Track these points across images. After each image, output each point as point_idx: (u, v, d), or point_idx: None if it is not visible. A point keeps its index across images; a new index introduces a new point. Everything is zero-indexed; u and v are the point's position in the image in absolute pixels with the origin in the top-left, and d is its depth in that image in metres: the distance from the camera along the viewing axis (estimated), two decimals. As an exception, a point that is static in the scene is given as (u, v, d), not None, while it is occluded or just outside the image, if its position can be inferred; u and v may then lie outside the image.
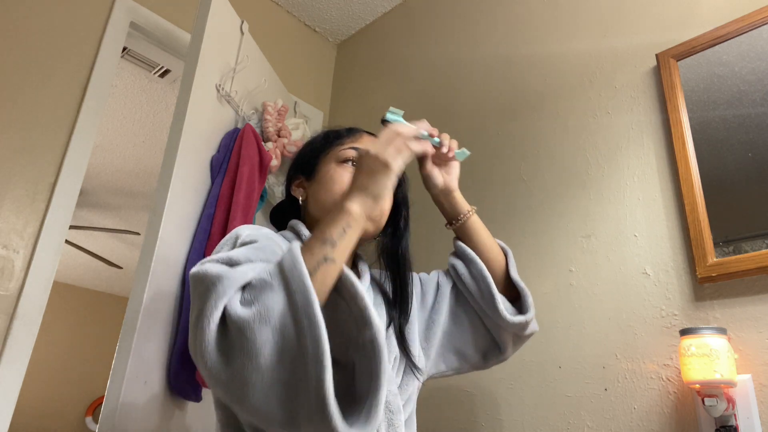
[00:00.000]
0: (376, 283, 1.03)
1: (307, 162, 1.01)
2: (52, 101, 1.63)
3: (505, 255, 1.07)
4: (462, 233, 1.06)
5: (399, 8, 2.37)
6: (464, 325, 1.04)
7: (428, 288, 1.09)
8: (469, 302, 1.05)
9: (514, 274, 1.05)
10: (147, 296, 1.20)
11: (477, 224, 1.05)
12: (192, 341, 0.65)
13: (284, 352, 0.60)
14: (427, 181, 1.00)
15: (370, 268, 1.06)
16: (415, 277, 1.12)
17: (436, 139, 0.94)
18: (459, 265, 1.05)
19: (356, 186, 0.78)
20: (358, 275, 1.03)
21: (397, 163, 0.79)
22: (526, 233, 1.58)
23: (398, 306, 0.98)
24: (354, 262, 1.05)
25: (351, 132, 1.01)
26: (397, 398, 0.84)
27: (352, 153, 0.95)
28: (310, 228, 0.97)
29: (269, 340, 0.60)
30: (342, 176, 0.94)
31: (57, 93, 1.65)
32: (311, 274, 0.65)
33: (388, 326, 0.96)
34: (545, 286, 1.49)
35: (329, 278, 0.69)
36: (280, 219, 1.07)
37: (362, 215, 0.76)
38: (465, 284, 1.03)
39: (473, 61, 1.96)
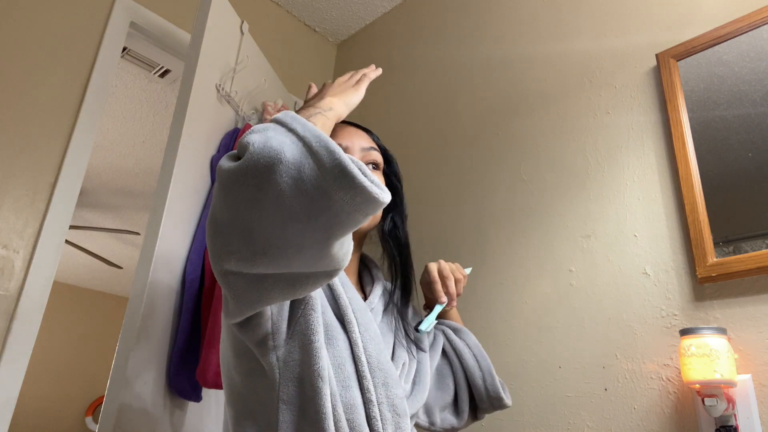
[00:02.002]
0: (386, 297, 1.00)
1: None
2: (52, 101, 1.63)
3: None
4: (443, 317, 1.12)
5: (399, 8, 2.37)
6: (443, 383, 1.05)
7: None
8: (452, 366, 1.06)
9: None
10: (147, 296, 1.20)
11: (455, 314, 1.13)
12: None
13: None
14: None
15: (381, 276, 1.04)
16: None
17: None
18: (449, 332, 1.08)
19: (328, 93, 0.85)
20: (372, 280, 1.01)
21: (362, 90, 0.91)
22: (526, 233, 1.58)
23: (399, 286, 0.98)
24: (361, 272, 1.02)
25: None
26: (403, 402, 0.83)
27: None
28: None
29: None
30: None
31: (57, 93, 1.65)
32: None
33: (396, 334, 0.95)
34: (545, 286, 1.49)
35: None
36: None
37: (336, 103, 0.82)
38: (456, 350, 1.06)
39: (473, 61, 1.96)
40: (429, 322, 0.93)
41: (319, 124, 0.75)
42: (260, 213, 0.59)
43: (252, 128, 0.64)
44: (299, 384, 0.75)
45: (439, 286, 0.97)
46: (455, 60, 2.03)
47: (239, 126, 1.62)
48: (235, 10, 1.66)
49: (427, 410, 1.02)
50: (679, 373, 1.21)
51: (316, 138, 0.60)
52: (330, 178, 0.57)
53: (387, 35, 2.38)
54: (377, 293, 0.96)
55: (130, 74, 2.84)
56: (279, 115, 0.65)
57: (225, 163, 0.62)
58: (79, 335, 5.56)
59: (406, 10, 2.34)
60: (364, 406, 0.79)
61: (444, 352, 1.07)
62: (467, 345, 1.05)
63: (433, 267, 0.99)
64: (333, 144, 0.60)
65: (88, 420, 5.40)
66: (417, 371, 0.95)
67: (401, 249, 0.99)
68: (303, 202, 0.58)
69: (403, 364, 0.91)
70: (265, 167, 0.58)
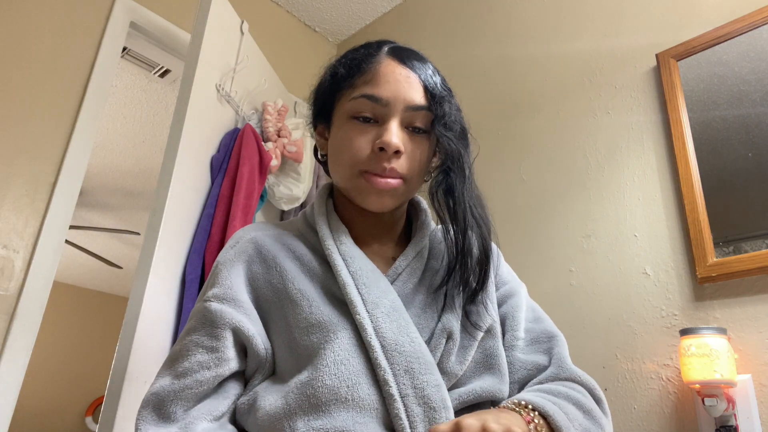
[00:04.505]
0: (426, 256, 0.79)
1: (322, 106, 0.81)
2: (52, 101, 1.63)
3: None
4: None
5: (399, 8, 2.37)
6: None
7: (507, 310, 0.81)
8: None
9: None
10: (147, 296, 1.20)
11: None
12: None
13: None
14: None
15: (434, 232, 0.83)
16: (507, 269, 0.87)
17: None
18: None
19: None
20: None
21: None
22: (526, 233, 1.58)
23: (457, 260, 0.74)
24: (412, 224, 0.84)
25: (366, 61, 0.76)
26: (440, 391, 0.64)
27: (365, 109, 0.73)
28: (341, 198, 0.80)
29: None
30: (354, 141, 0.73)
31: (57, 93, 1.65)
32: None
33: (446, 300, 0.74)
34: (545, 286, 1.49)
35: None
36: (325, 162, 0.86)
37: None
38: None
39: (473, 61, 1.96)
40: None
41: None
42: None
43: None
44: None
45: None
46: (455, 60, 2.03)
47: (239, 126, 1.62)
48: (235, 10, 1.66)
49: None
50: (679, 373, 1.21)
51: None
52: None
53: (387, 35, 2.38)
54: (410, 253, 0.77)
55: (130, 74, 2.84)
56: None
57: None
58: (79, 335, 5.56)
59: (406, 10, 2.34)
60: (382, 403, 0.64)
61: None
62: None
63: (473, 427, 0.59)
64: None
65: (88, 420, 5.40)
66: (485, 354, 0.73)
67: (457, 213, 0.75)
68: None
69: (449, 339, 0.70)
70: None
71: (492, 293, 0.80)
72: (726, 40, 1.33)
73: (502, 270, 0.86)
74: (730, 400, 1.09)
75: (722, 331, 1.12)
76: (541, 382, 0.72)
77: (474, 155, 0.80)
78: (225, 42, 1.59)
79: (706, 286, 1.23)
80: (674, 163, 1.34)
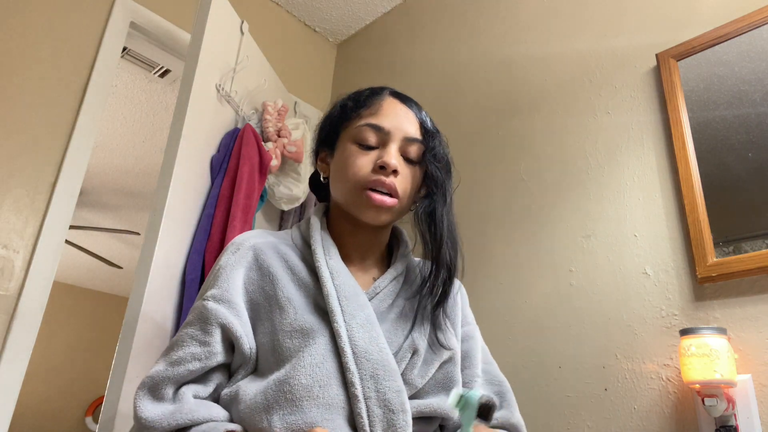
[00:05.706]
0: (402, 280, 0.89)
1: (327, 134, 0.93)
2: (52, 101, 1.63)
3: None
4: None
5: (399, 8, 2.37)
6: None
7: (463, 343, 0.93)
8: None
9: None
10: (147, 296, 1.20)
11: None
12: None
13: None
14: None
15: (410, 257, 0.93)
16: (464, 298, 0.98)
17: None
18: None
19: None
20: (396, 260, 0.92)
21: None
22: (526, 233, 1.58)
23: (433, 272, 0.85)
24: (392, 250, 0.94)
25: (371, 98, 0.89)
26: (400, 396, 0.74)
27: (369, 136, 0.85)
28: (335, 217, 0.90)
29: None
30: (357, 160, 0.84)
31: (57, 93, 1.65)
32: None
33: (415, 321, 0.84)
34: (545, 286, 1.49)
35: None
36: (318, 188, 0.98)
37: None
38: None
39: (473, 61, 1.96)
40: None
41: None
42: None
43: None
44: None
45: None
46: (455, 60, 2.03)
47: (239, 126, 1.62)
48: (235, 10, 1.66)
49: None
50: (679, 373, 1.21)
51: None
52: None
53: (387, 35, 2.38)
54: (389, 276, 0.87)
55: (130, 74, 2.84)
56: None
57: (144, 405, 0.75)
58: (79, 335, 5.56)
59: (406, 10, 2.34)
60: (348, 403, 0.73)
61: None
62: None
63: None
64: None
65: (88, 420, 5.40)
66: (446, 377, 0.83)
67: (435, 231, 0.84)
68: None
69: (415, 354, 0.80)
70: None
71: (458, 326, 0.92)
72: (726, 40, 1.33)
73: (468, 310, 0.98)
74: (730, 400, 1.09)
75: (722, 331, 1.12)
76: (496, 419, 0.87)
77: (455, 186, 0.92)
78: (225, 42, 1.59)
79: (706, 286, 1.23)
80: (674, 163, 1.34)
